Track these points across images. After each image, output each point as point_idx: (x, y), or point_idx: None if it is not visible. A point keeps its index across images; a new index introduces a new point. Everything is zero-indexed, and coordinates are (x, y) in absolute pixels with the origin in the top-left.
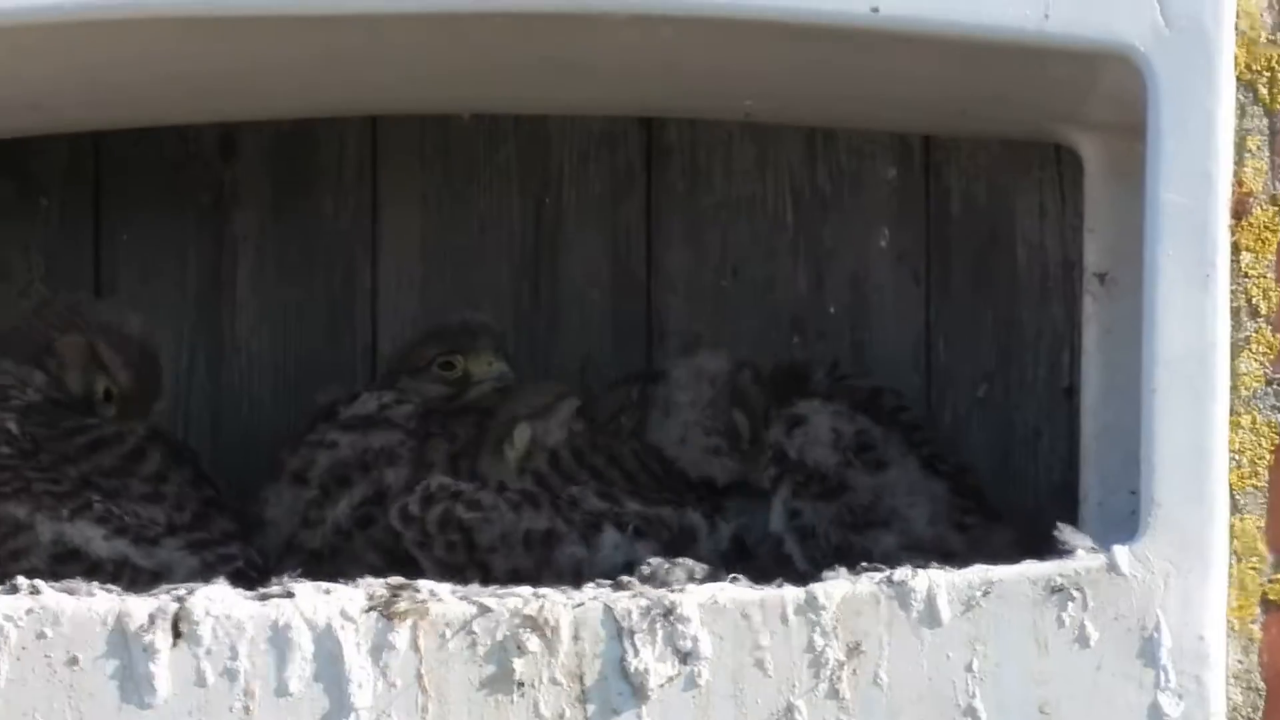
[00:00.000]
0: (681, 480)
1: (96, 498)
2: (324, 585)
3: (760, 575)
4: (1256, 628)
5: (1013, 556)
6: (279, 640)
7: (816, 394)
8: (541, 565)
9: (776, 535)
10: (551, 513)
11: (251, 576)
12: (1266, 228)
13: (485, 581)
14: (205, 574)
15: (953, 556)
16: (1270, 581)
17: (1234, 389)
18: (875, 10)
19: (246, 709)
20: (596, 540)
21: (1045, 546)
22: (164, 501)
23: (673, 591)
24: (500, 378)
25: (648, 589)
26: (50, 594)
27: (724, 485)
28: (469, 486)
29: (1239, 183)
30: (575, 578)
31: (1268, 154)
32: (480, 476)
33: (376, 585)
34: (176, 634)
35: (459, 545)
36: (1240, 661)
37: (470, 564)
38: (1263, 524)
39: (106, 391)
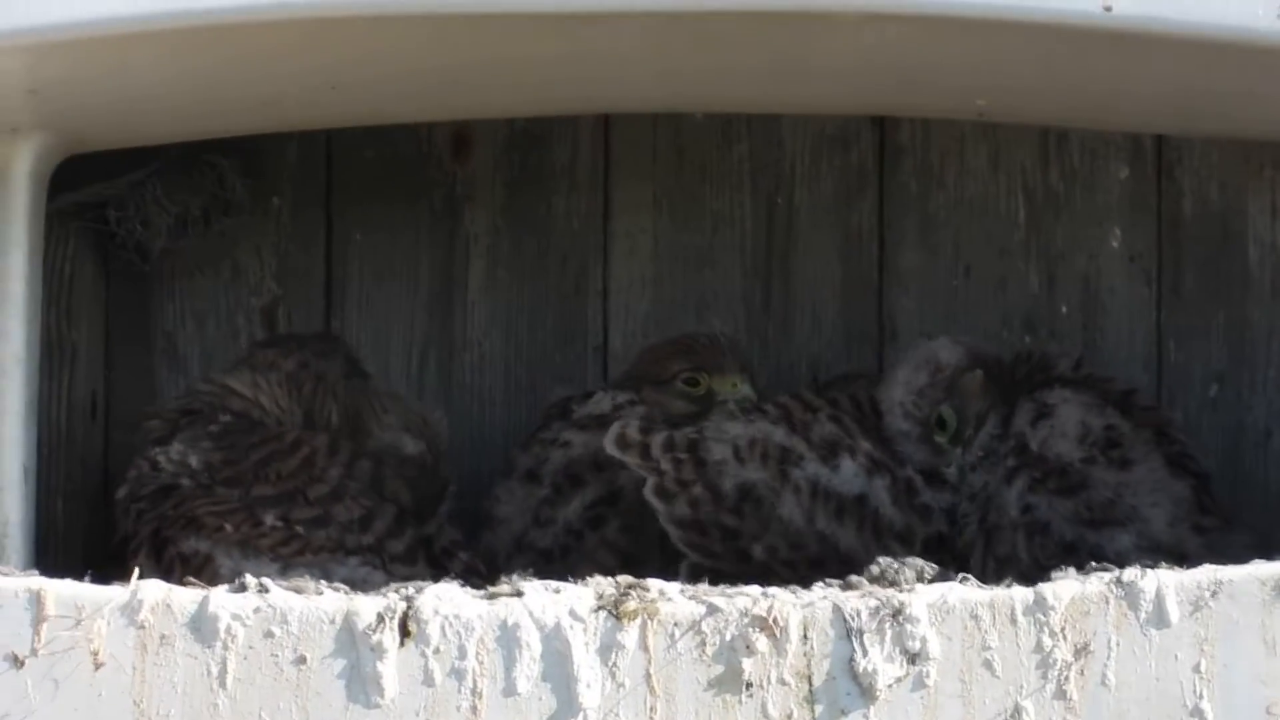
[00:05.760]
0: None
1: (269, 517)
2: (553, 584)
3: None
4: None
5: (1247, 560)
6: (507, 640)
7: (1067, 384)
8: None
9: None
10: (788, 431)
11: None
12: None
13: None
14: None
15: (1185, 559)
16: None
17: None
18: (1108, 9)
19: (474, 709)
20: (835, 464)
21: (1276, 547)
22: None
23: (902, 591)
24: (743, 400)
25: (876, 589)
26: (279, 593)
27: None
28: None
29: None
30: (812, 498)
31: None
32: None
33: (606, 584)
34: (405, 633)
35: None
36: None
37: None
38: None
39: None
